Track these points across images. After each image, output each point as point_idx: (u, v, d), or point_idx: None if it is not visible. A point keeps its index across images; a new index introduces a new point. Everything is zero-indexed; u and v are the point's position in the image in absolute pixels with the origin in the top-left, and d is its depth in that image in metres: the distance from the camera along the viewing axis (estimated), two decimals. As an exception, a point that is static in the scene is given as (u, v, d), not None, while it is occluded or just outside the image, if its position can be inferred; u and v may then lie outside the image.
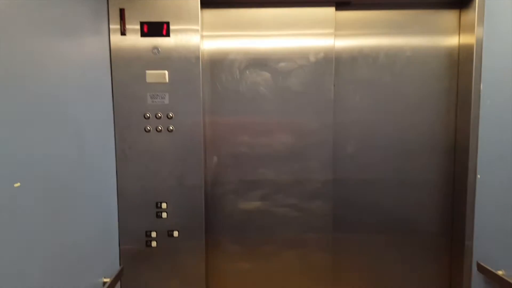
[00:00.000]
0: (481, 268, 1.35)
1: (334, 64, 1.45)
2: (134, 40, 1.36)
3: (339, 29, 1.45)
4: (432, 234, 1.54)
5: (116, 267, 1.40)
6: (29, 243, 0.84)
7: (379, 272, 1.56)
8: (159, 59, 1.37)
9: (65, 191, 1.01)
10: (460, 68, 1.46)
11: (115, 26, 1.35)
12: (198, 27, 1.37)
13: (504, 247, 1.25)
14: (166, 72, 1.37)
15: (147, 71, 1.37)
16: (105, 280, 1.27)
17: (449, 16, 1.46)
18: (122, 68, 1.36)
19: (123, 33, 1.35)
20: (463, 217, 1.43)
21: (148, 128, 1.40)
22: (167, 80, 1.37)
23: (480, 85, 1.36)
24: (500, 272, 1.25)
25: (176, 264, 1.46)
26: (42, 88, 0.91)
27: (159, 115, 1.39)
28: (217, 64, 1.45)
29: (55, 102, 0.97)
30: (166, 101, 1.38)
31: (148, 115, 1.39)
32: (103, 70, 1.32)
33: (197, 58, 1.37)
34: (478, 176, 1.38)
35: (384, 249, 1.55)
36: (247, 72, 1.45)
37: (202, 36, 1.42)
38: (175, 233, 1.44)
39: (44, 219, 0.91)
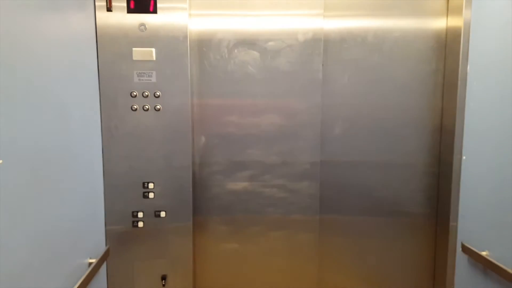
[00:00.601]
0: (465, 249, 1.36)
1: (323, 44, 1.44)
2: (120, 16, 1.33)
3: (328, 10, 1.45)
4: (417, 215, 1.56)
5: (102, 248, 1.39)
6: (12, 221, 0.82)
7: (365, 252, 1.58)
8: (146, 36, 1.35)
9: (49, 170, 0.99)
10: (448, 50, 1.46)
11: (101, 2, 1.33)
12: (186, 5, 1.35)
13: (488, 228, 1.27)
14: (153, 49, 1.35)
15: (134, 49, 1.35)
16: (90, 260, 1.26)
17: (437, -2, 1.46)
18: (108, 45, 1.34)
19: (109, 9, 1.32)
20: (448, 198, 1.45)
21: (135, 106, 1.38)
22: (154, 58, 1.35)
23: (467, 67, 1.37)
24: (484, 253, 1.27)
25: (163, 244, 1.45)
26: (25, 65, 0.89)
27: (146, 93, 1.37)
28: (205, 43, 1.44)
29: (39, 80, 0.94)
30: (153, 79, 1.37)
31: (134, 93, 1.37)
32: (89, 47, 1.30)
33: (185, 36, 1.35)
34: (464, 157, 1.39)
35: (370, 230, 1.56)
36: (236, 51, 1.44)
37: (190, 15, 1.40)
38: (162, 214, 1.43)
39: (28, 198, 0.89)
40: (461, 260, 1.42)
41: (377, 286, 1.59)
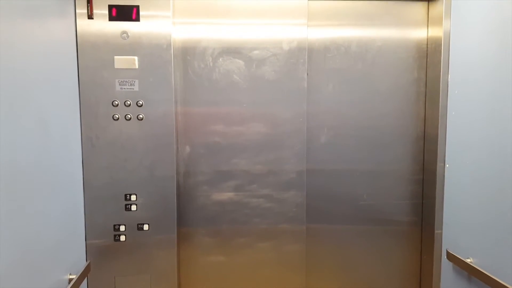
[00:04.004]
0: (450, 256, 1.37)
1: (307, 53, 1.45)
2: (102, 24, 1.31)
3: (311, 19, 1.46)
4: (403, 223, 1.56)
5: (82, 263, 1.34)
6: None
7: (351, 261, 1.57)
8: (128, 44, 1.32)
9: (26, 182, 0.95)
10: (429, 59, 1.49)
11: (82, 10, 1.30)
12: (170, 13, 1.33)
13: (472, 236, 1.28)
14: (136, 57, 1.32)
15: (116, 57, 1.32)
16: (71, 276, 1.20)
17: (418, 8, 1.49)
18: (89, 53, 1.31)
19: (90, 16, 1.30)
20: (433, 206, 1.46)
21: (117, 116, 1.34)
22: (136, 66, 1.33)
23: (448, 76, 1.39)
24: (468, 260, 1.28)
25: (146, 258, 1.40)
26: (2, 73, 0.85)
27: (128, 102, 1.34)
28: (189, 51, 1.42)
29: (16, 88, 0.90)
30: (136, 88, 1.34)
31: (116, 102, 1.34)
32: (69, 55, 1.26)
33: (169, 44, 1.34)
34: (447, 165, 1.41)
35: (357, 238, 1.56)
36: (220, 59, 1.43)
37: (174, 23, 1.38)
38: (145, 226, 1.39)
39: (4, 210, 0.84)
40: (446, 267, 1.43)
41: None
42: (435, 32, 1.45)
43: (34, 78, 1.00)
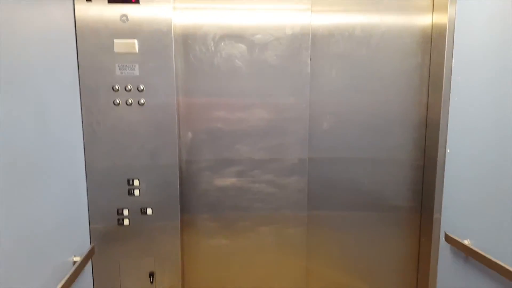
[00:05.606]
0: (448, 238, 1.40)
1: (311, 38, 1.43)
2: (100, 7, 1.27)
3: (315, 4, 1.43)
4: (403, 208, 1.58)
5: (86, 246, 1.36)
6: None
7: (352, 245, 1.60)
8: (128, 27, 1.29)
9: (28, 167, 0.95)
10: (433, 44, 1.47)
11: (80, -8, 1.26)
12: (170, -3, 1.30)
13: (470, 218, 1.31)
14: (136, 41, 1.30)
15: (115, 40, 1.29)
16: (75, 259, 1.23)
17: (423, -7, 1.46)
18: (88, 37, 1.28)
19: (88, -1, 1.26)
20: (432, 191, 1.48)
21: (117, 101, 1.33)
22: (136, 50, 1.31)
23: (451, 62, 1.38)
24: (466, 242, 1.31)
25: (150, 241, 1.43)
26: (1, 58, 0.83)
27: (129, 87, 1.33)
28: (191, 36, 1.39)
29: (15, 74, 0.89)
30: (136, 72, 1.32)
31: (117, 87, 1.32)
32: (68, 39, 1.24)
33: (169, 28, 1.31)
34: (448, 150, 1.42)
35: (357, 224, 1.58)
36: (222, 44, 1.40)
37: (175, 8, 1.35)
38: (149, 211, 1.41)
39: (7, 197, 0.85)
40: (444, 249, 1.46)
41: (364, 276, 1.62)
42: (440, 18, 1.43)
43: (32, 63, 0.98)
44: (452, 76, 1.38)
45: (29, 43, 0.96)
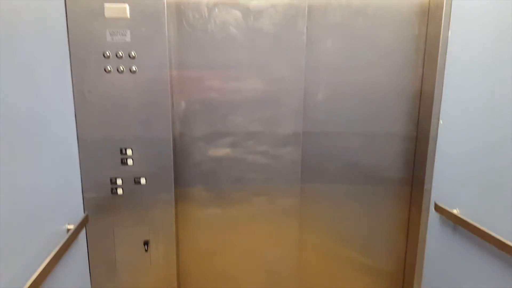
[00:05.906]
0: (437, 208, 1.44)
1: (307, 6, 1.39)
2: (89, -32, 1.22)
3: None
4: (395, 180, 1.60)
5: (80, 215, 1.36)
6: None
7: (343, 215, 1.63)
8: (119, -9, 1.25)
9: (19, 136, 0.93)
10: (430, 15, 1.45)
11: (67, -49, 1.20)
12: (162, -42, 1.25)
13: (460, 189, 1.33)
14: (127, 5, 1.26)
15: (106, 4, 1.25)
16: (69, 226, 1.23)
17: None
18: (77, 2, 1.23)
19: (76, -41, 1.21)
20: (424, 162, 1.50)
21: (109, 68, 1.30)
22: (128, 16, 1.26)
23: (448, 33, 1.37)
24: (455, 211, 1.35)
25: (144, 211, 1.43)
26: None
27: (120, 54, 1.29)
28: (184, 1, 1.35)
29: (2, 39, 0.85)
30: (128, 38, 1.28)
31: (108, 53, 1.29)
32: (56, 4, 1.19)
33: (161, -8, 1.26)
34: (441, 121, 1.43)
35: (349, 195, 1.60)
36: (216, 10, 1.37)
37: (167, -31, 1.30)
38: (142, 180, 1.40)
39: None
40: (433, 219, 1.50)
41: (355, 245, 1.66)
42: (439, -15, 1.40)
43: (20, 28, 0.94)
44: (448, 47, 1.37)
45: (17, 7, 0.92)
